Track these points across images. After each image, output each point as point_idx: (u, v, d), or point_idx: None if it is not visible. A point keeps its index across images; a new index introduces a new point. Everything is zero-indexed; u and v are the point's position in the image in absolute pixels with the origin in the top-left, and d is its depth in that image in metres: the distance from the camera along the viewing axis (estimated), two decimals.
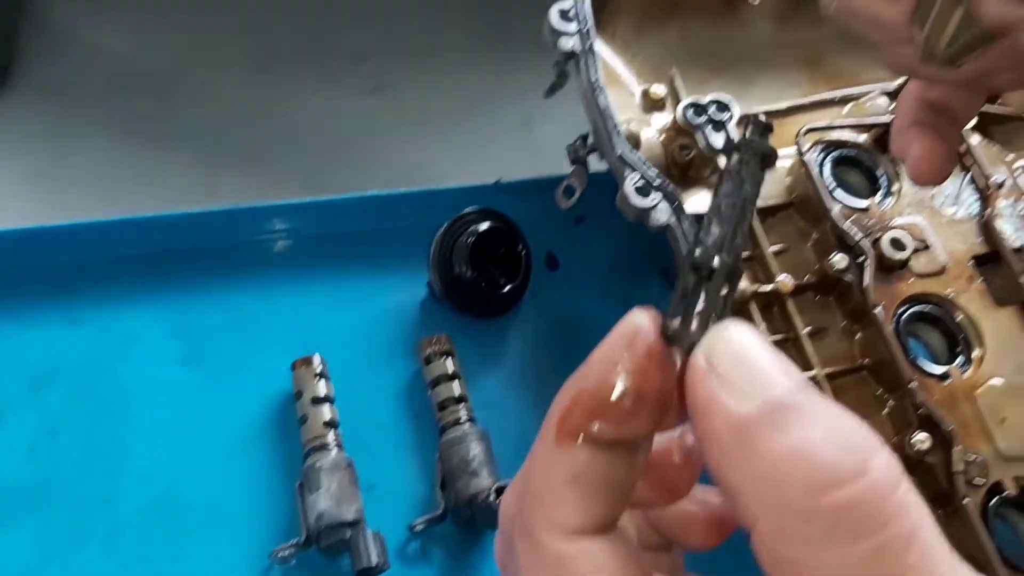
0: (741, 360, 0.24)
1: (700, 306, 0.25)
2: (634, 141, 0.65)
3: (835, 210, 0.63)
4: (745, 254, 0.64)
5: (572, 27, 0.63)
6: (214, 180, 1.99)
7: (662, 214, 0.60)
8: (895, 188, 0.66)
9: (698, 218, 0.60)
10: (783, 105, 0.70)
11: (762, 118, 0.27)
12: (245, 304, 0.65)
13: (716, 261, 0.26)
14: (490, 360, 0.67)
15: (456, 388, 0.63)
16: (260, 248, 0.69)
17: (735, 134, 0.27)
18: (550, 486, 0.25)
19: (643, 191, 0.60)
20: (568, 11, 0.64)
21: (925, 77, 0.43)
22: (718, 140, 0.65)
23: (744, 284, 0.62)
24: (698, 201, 0.66)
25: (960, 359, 0.62)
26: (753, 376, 0.23)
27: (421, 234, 0.68)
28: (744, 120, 0.26)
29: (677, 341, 0.25)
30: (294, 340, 0.63)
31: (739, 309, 0.62)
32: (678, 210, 0.60)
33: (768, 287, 0.62)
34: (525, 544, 0.25)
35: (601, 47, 0.66)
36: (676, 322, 0.25)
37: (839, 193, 0.64)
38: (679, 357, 0.25)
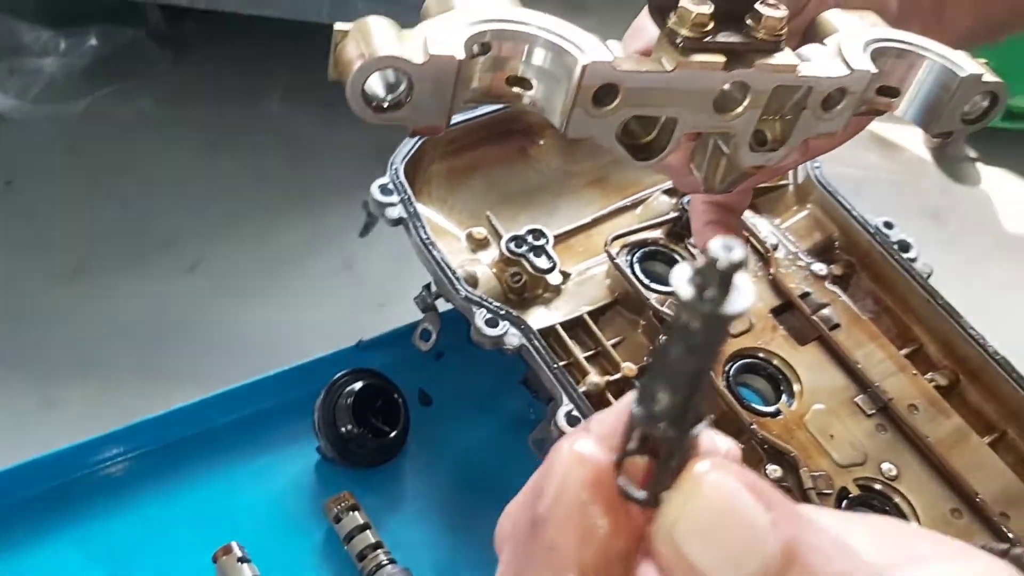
0: (724, 524, 0.20)
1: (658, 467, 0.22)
2: (472, 281, 0.74)
3: (652, 299, 0.73)
4: (590, 352, 0.74)
5: (394, 198, 0.72)
6: (48, 392, 1.93)
7: (513, 338, 0.68)
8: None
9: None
10: (587, 219, 0.82)
11: (731, 259, 0.19)
12: (154, 512, 0.68)
13: (667, 432, 0.22)
14: (393, 502, 0.73)
15: (370, 536, 0.68)
16: (153, 458, 0.72)
17: (682, 283, 0.20)
18: None
19: (492, 323, 0.68)
20: (387, 185, 0.73)
21: (707, 195, 0.55)
22: (542, 263, 0.76)
23: (595, 378, 0.71)
24: (540, 317, 0.75)
25: (785, 396, 0.73)
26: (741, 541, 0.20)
27: (300, 405, 0.74)
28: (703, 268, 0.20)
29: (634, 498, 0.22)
30: (208, 534, 0.67)
31: (596, 401, 0.71)
32: (526, 331, 0.69)
33: (616, 376, 0.72)
34: None
35: (422, 208, 0.75)
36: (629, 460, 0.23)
37: (652, 283, 0.75)
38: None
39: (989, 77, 0.47)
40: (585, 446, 0.22)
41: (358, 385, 0.73)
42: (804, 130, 0.46)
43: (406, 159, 0.75)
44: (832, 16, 0.48)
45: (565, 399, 0.66)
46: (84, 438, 0.72)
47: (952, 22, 0.56)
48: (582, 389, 0.69)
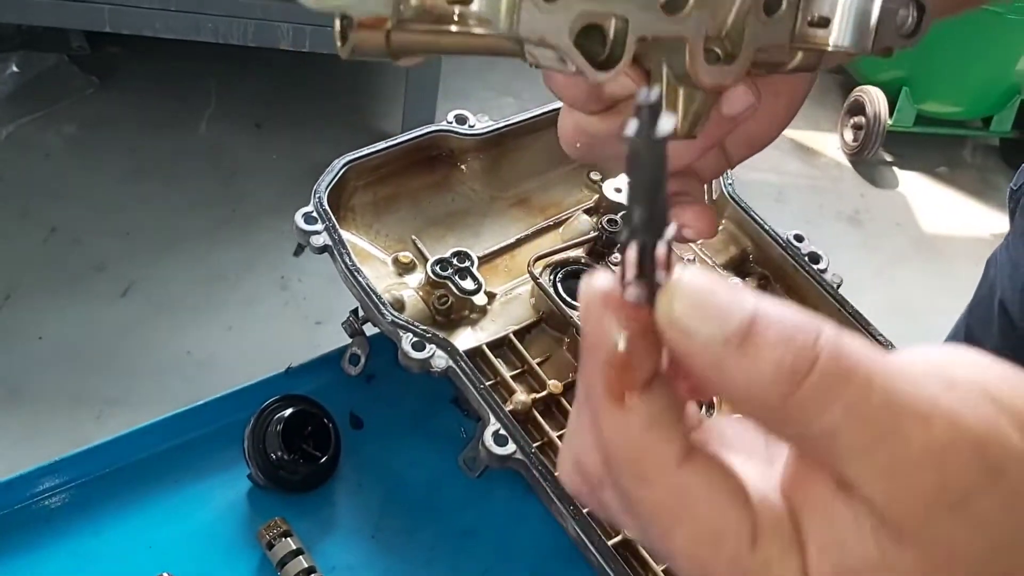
0: (704, 299, 0.28)
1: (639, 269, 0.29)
2: (399, 305, 0.75)
3: (574, 316, 0.76)
4: (516, 370, 0.76)
5: (318, 226, 0.74)
6: None
7: (440, 360, 0.70)
8: None
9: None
10: (511, 240, 0.84)
11: (650, 100, 0.28)
12: (86, 545, 0.68)
13: (646, 240, 0.29)
14: (327, 526, 0.73)
15: (303, 562, 0.69)
16: (83, 491, 0.72)
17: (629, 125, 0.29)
18: (633, 442, 0.29)
19: (418, 346, 0.70)
20: (311, 213, 0.74)
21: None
22: (467, 284, 0.77)
23: (522, 396, 0.73)
24: (466, 338, 0.77)
25: (715, 412, 0.76)
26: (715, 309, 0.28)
27: (231, 432, 0.74)
28: (636, 109, 0.28)
29: (636, 296, 0.29)
30: (141, 565, 0.67)
31: (523, 418, 0.72)
32: (453, 353, 0.70)
33: (542, 393, 0.74)
34: (635, 489, 0.29)
35: (347, 234, 0.77)
36: (631, 283, 0.29)
37: (575, 302, 0.78)
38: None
39: None
40: (598, 280, 0.30)
41: (288, 411, 0.74)
42: (752, 40, 0.46)
43: (330, 187, 0.76)
44: None
45: (492, 418, 0.68)
46: (16, 470, 0.71)
47: None
48: (509, 408, 0.71)
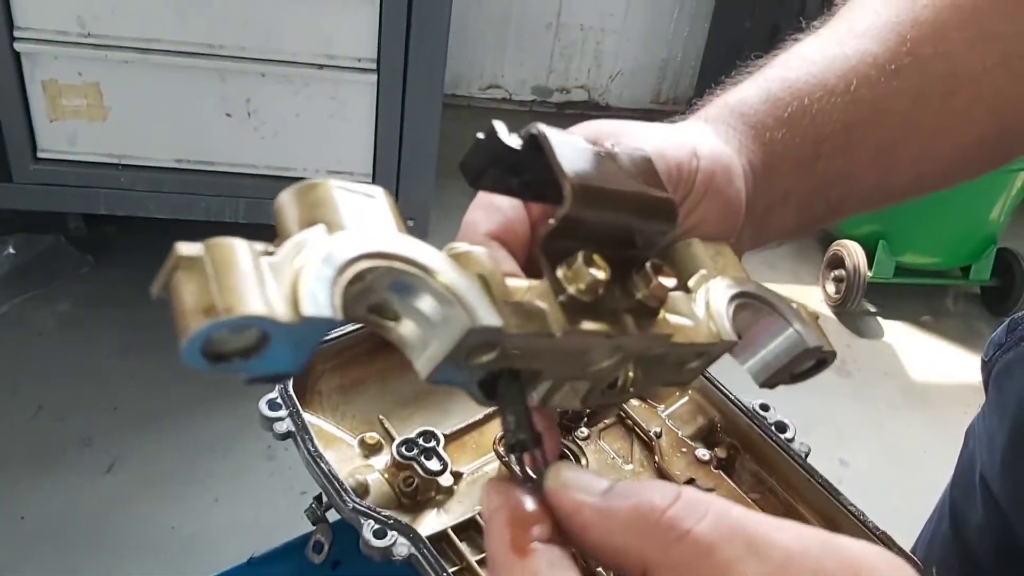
0: (577, 479, 0.39)
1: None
2: (362, 490, 0.75)
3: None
4: (482, 555, 0.75)
5: (282, 412, 0.74)
6: None
7: (403, 548, 0.69)
8: (584, 463, 0.80)
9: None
10: (479, 416, 0.84)
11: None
12: None
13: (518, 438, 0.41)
14: None
15: None
16: None
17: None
18: None
19: (380, 534, 0.69)
20: (275, 399, 0.75)
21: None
22: (433, 465, 0.77)
23: None
24: (432, 521, 0.76)
25: None
26: (588, 482, 0.39)
27: None
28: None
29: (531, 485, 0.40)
30: None
31: None
32: (415, 540, 0.69)
33: None
34: None
35: (313, 418, 0.77)
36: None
37: None
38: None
39: (827, 347, 0.49)
40: (493, 484, 0.40)
41: None
42: (655, 379, 0.47)
43: None
44: (694, 249, 0.50)
45: None
46: None
47: (777, 224, 0.61)
48: None
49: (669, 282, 0.42)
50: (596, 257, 0.40)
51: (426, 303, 0.36)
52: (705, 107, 0.60)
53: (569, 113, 3.76)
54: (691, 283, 0.48)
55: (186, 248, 0.31)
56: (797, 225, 0.62)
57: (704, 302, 0.47)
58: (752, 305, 0.49)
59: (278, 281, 0.31)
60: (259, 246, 0.33)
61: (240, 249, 0.32)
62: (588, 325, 0.40)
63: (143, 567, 1.92)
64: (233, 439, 2.22)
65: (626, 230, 0.43)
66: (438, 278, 0.36)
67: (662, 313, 0.44)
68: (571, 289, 0.40)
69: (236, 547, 0.79)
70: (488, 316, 0.36)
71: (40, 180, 2.17)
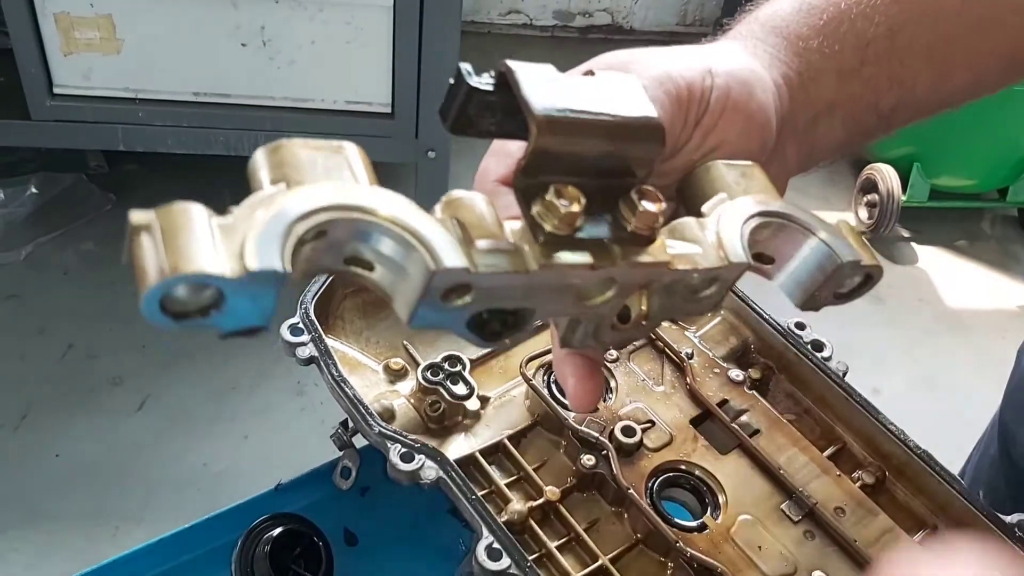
0: None
1: None
2: (388, 414, 0.73)
3: (570, 419, 0.73)
4: (511, 477, 0.73)
5: (304, 337, 0.72)
6: None
7: (430, 471, 0.67)
8: (613, 385, 0.78)
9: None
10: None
11: None
12: None
13: None
14: None
15: None
16: None
17: None
18: None
19: (407, 457, 0.67)
20: (297, 324, 0.73)
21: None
22: (459, 389, 0.75)
23: (518, 505, 0.70)
24: (459, 445, 0.74)
25: (710, 508, 0.72)
26: None
27: (222, 553, 0.72)
28: None
29: None
30: None
31: (520, 529, 0.69)
32: (443, 463, 0.68)
33: (539, 501, 0.71)
34: None
35: (336, 344, 0.75)
36: None
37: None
38: None
39: (868, 261, 0.47)
40: None
41: (276, 531, 0.71)
42: (671, 310, 0.45)
43: (316, 297, 0.75)
44: (715, 172, 0.48)
45: (485, 531, 0.65)
46: None
47: (824, 139, 0.58)
48: (504, 518, 0.68)
49: (654, 207, 0.40)
50: (569, 189, 0.39)
51: (389, 248, 0.36)
52: (735, 26, 0.57)
53: (592, 37, 3.66)
54: (706, 207, 0.46)
55: (139, 216, 0.32)
56: (848, 139, 0.59)
57: (715, 225, 0.44)
58: (774, 224, 0.46)
59: (229, 240, 0.32)
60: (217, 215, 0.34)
61: (195, 213, 0.33)
62: (566, 258, 0.39)
63: (175, 503, 1.95)
64: (262, 376, 2.23)
65: (608, 157, 0.41)
66: (397, 223, 0.35)
67: (660, 240, 0.42)
68: (547, 226, 0.39)
69: (267, 483, 0.78)
70: (452, 258, 0.36)
71: (58, 117, 2.14)
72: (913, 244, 2.81)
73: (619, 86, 0.42)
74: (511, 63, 0.40)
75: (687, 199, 0.49)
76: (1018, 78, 0.62)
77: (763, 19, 0.56)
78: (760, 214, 0.46)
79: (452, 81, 0.41)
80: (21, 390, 2.15)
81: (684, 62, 0.49)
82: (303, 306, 0.75)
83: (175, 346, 2.27)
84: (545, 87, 0.39)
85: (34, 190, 2.49)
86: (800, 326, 0.82)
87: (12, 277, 2.39)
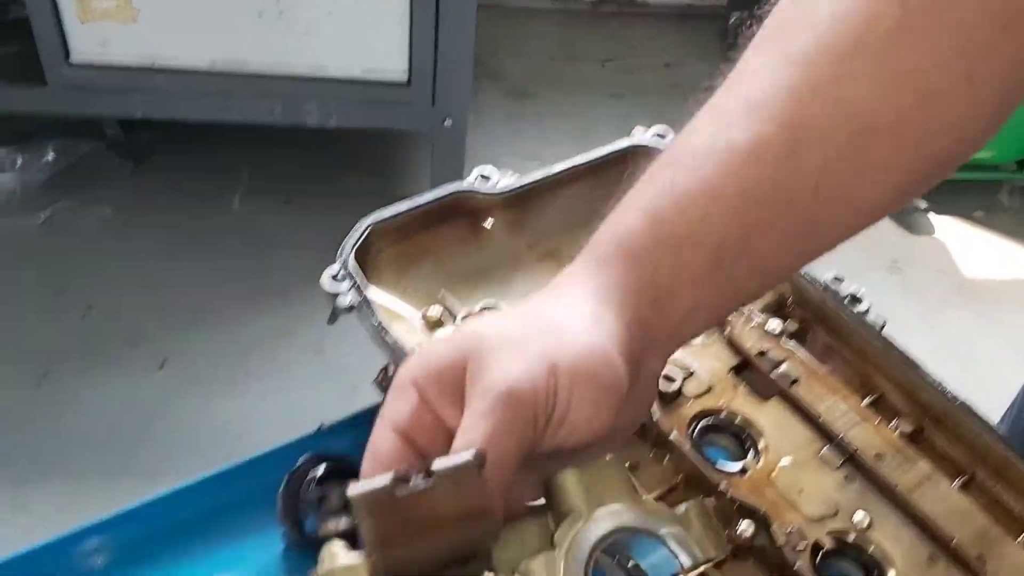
0: None
1: None
2: None
3: None
4: None
5: (345, 285, 0.73)
6: (17, 497, 1.89)
7: None
8: None
9: None
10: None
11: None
12: None
13: None
14: None
15: None
16: (125, 552, 0.71)
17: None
18: None
19: None
20: (337, 273, 0.74)
21: None
22: None
23: None
24: None
25: (751, 453, 0.73)
26: None
27: (265, 494, 0.73)
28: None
29: None
30: None
31: None
32: None
33: None
34: None
35: (374, 292, 0.76)
36: None
37: None
38: None
39: (708, 555, 0.54)
40: None
41: (320, 470, 0.72)
42: None
43: (356, 246, 0.76)
44: (565, 487, 0.53)
45: None
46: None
47: (689, 332, 0.60)
48: None
49: None
50: None
51: None
52: (597, 242, 0.57)
53: (604, 12, 3.63)
54: (556, 536, 0.51)
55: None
56: (717, 319, 0.65)
57: (562, 563, 0.50)
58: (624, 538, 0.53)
59: None
60: None
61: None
62: None
63: (195, 462, 1.96)
64: (281, 337, 2.24)
65: (452, 555, 0.49)
66: None
67: None
68: None
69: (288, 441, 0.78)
70: None
71: (74, 84, 2.15)
72: (930, 215, 2.80)
73: (459, 478, 0.47)
74: (353, 491, 0.49)
75: (548, 505, 0.54)
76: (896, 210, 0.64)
77: (618, 238, 0.56)
78: (606, 536, 0.52)
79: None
80: (42, 349, 2.17)
81: (525, 366, 0.51)
82: (343, 255, 0.76)
83: (193, 308, 2.29)
84: (383, 516, 0.49)
85: (52, 156, 2.50)
86: (838, 279, 0.82)
87: (31, 241, 2.40)
